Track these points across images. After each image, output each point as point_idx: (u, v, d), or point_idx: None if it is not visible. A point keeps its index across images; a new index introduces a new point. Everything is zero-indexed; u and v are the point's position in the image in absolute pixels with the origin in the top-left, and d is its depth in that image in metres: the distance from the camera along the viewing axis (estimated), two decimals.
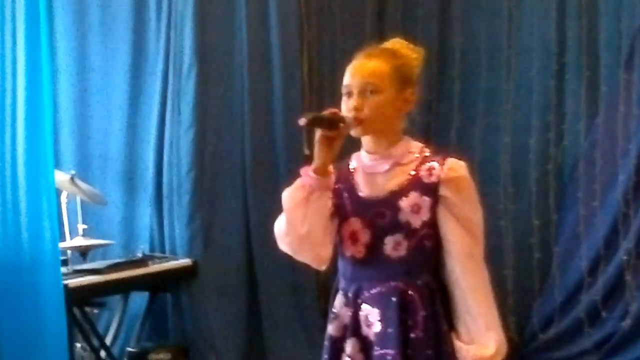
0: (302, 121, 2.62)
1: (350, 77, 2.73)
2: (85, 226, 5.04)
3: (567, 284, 5.49)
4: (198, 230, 5.55)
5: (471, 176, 2.73)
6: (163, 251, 5.61)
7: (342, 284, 2.83)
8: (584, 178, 5.43)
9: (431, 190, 2.70)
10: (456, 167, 2.73)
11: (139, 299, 5.52)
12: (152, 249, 5.63)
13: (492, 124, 5.74)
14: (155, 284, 5.45)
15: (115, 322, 5.26)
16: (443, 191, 2.70)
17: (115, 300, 5.38)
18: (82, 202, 5.14)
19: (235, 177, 5.63)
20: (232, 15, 5.67)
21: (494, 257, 5.58)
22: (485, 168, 5.49)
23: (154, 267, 5.30)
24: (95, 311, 5.14)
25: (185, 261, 5.47)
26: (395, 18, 5.99)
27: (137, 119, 5.81)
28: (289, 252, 2.79)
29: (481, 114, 5.79)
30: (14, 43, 4.57)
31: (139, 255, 5.34)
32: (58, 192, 4.94)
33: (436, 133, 5.79)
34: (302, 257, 2.79)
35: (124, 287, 5.24)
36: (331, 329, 2.82)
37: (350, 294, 2.79)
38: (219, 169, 5.64)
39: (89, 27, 5.90)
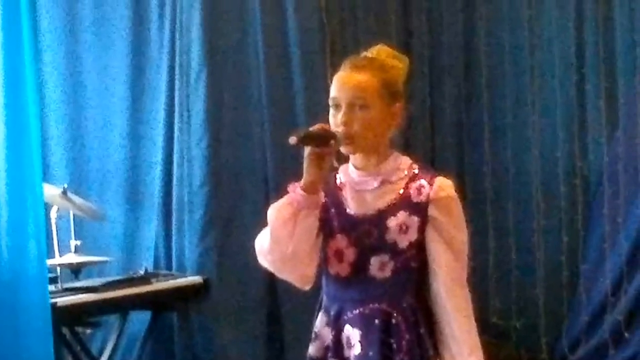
0: (293, 140, 2.67)
1: (338, 90, 2.76)
2: (78, 242, 5.04)
3: (593, 303, 5.56)
4: (211, 247, 5.50)
5: (459, 195, 2.80)
6: (169, 268, 5.59)
7: (325, 302, 2.87)
8: (608, 192, 5.48)
9: (420, 209, 2.76)
10: (445, 186, 2.79)
11: (140, 319, 5.48)
12: (156, 267, 5.61)
13: (522, 136, 5.84)
14: (159, 302, 5.43)
15: (111, 343, 5.24)
16: (432, 211, 2.76)
17: (113, 319, 5.35)
18: (77, 217, 5.13)
19: (255, 192, 5.52)
20: (244, 10, 5.56)
21: (525, 275, 5.62)
22: (518, 182, 5.76)
23: (157, 285, 5.29)
24: (88, 331, 5.11)
25: (194, 279, 5.45)
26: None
27: (140, 129, 5.74)
28: (271, 270, 2.84)
29: (510, 125, 5.89)
30: None
31: (141, 272, 5.30)
32: (48, 207, 4.93)
33: (470, 142, 5.99)
34: (285, 276, 2.84)
35: (121, 306, 5.23)
36: (312, 349, 2.86)
37: (332, 314, 2.82)
38: (237, 183, 5.56)
39: (80, 23, 5.76)
